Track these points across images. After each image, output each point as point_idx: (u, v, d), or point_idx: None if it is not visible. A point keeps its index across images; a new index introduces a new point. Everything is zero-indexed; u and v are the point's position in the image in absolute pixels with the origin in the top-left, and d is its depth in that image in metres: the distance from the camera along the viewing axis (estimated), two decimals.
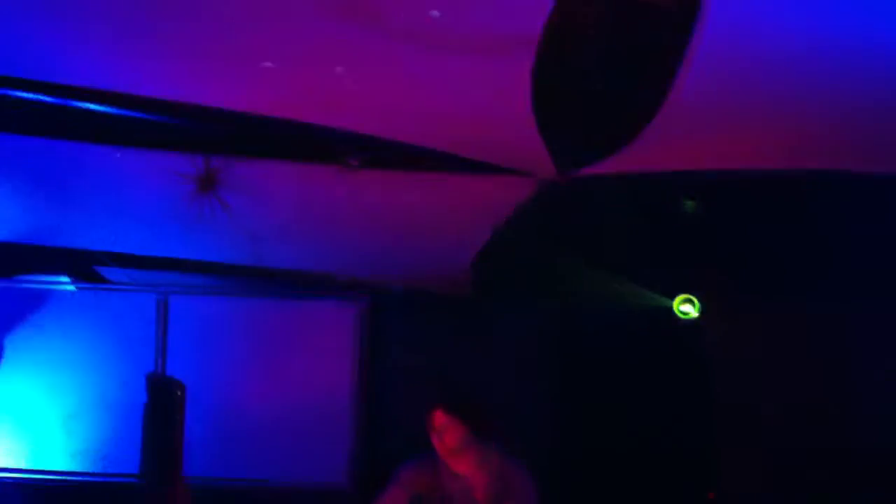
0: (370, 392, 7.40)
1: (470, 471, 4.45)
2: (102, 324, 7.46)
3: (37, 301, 7.45)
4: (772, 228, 6.25)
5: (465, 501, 4.42)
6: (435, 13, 3.61)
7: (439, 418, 4.43)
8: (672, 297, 6.97)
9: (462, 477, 4.47)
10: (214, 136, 4.84)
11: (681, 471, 7.15)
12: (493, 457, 4.45)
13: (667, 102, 3.93)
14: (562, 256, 6.90)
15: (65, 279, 7.36)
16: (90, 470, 7.36)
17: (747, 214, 6.16)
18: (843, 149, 4.63)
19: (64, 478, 7.36)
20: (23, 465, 7.36)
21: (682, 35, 3.62)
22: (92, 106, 4.57)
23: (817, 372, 6.26)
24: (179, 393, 5.18)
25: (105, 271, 7.29)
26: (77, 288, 7.43)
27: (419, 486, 4.53)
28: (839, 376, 6.18)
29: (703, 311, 6.79)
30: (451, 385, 4.54)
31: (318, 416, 7.35)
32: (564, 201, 5.70)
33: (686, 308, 6.85)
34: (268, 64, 4.07)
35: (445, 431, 4.41)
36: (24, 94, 4.38)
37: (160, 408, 5.12)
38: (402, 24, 3.74)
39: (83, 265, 7.26)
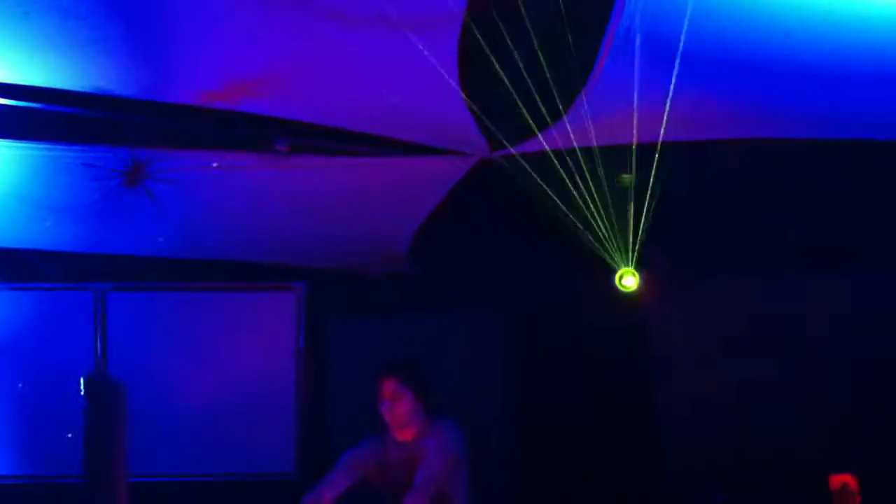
0: (314, 378, 7.35)
1: (415, 440, 4.47)
2: (40, 324, 7.32)
3: None
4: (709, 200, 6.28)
5: (406, 469, 4.41)
6: None
7: (388, 388, 4.44)
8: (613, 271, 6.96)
9: (406, 445, 4.49)
10: (140, 128, 4.76)
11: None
12: (437, 428, 4.47)
13: (592, 77, 3.93)
14: (502, 232, 6.89)
15: None
16: (32, 472, 7.23)
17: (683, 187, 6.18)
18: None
19: (5, 481, 7.24)
20: None
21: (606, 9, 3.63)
22: (15, 102, 4.49)
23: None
24: (119, 392, 5.12)
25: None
26: (9, 288, 7.27)
27: (363, 469, 4.53)
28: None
29: (643, 285, 6.80)
30: (400, 357, 4.56)
31: (263, 407, 7.25)
32: (500, 178, 5.68)
33: (628, 281, 6.84)
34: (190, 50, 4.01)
35: (395, 401, 4.43)
36: None
37: (99, 408, 5.06)
38: (328, 3, 3.70)
39: (14, 265, 7.10)
